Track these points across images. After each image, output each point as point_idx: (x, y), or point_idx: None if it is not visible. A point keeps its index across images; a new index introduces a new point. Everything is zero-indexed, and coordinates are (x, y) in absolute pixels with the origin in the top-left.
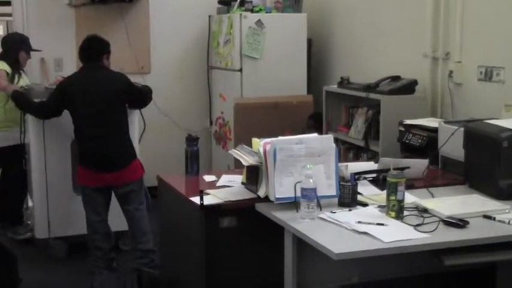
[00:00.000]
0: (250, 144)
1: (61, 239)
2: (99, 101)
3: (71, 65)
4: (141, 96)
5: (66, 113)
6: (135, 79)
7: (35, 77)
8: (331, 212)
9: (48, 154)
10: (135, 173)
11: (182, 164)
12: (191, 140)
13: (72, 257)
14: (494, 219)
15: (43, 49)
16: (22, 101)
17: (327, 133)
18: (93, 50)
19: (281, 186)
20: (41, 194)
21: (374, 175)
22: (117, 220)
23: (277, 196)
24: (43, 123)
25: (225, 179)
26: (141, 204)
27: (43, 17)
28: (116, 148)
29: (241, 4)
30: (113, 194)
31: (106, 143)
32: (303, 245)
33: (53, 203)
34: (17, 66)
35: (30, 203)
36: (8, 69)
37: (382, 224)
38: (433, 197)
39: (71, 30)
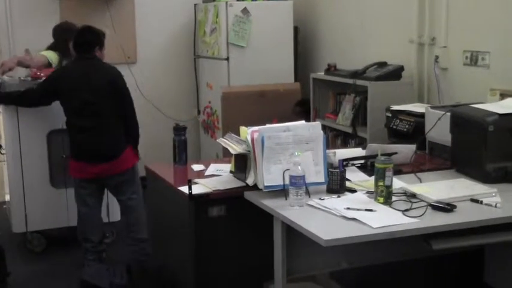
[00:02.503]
0: (238, 133)
1: (39, 233)
2: (88, 93)
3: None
4: (130, 98)
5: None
6: (122, 69)
7: (19, 69)
8: (320, 198)
9: (24, 147)
10: (126, 163)
11: (170, 153)
12: (179, 130)
13: (51, 251)
14: (481, 202)
15: (27, 41)
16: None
17: (314, 120)
18: (85, 41)
19: (269, 174)
20: (17, 187)
21: (362, 161)
22: None
23: (265, 184)
24: (17, 116)
25: (213, 168)
26: (134, 193)
27: (27, 8)
28: (106, 140)
29: None
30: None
31: (95, 135)
32: (292, 232)
33: (29, 197)
34: (67, 55)
35: (6, 198)
36: (55, 58)
37: (371, 210)
38: (420, 182)
39: (56, 22)
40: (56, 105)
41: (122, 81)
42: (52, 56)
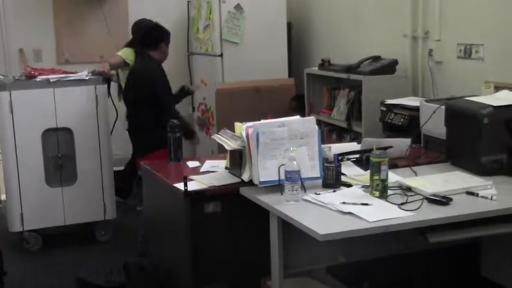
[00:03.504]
0: (233, 129)
1: (35, 232)
2: (127, 92)
3: (51, 56)
4: (161, 98)
5: (34, 102)
6: None
7: (13, 68)
8: (316, 193)
9: (19, 146)
10: None
11: None
12: (174, 127)
13: (48, 249)
14: (477, 195)
15: (21, 40)
16: None
17: (309, 115)
18: (141, 37)
19: (265, 169)
20: (13, 186)
21: (357, 155)
22: (93, 210)
23: (261, 179)
24: (12, 115)
25: (208, 165)
26: None
27: (20, 6)
28: (135, 138)
29: None
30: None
31: (129, 132)
32: (289, 228)
33: (25, 196)
34: None
35: (2, 197)
36: (131, 55)
37: (367, 204)
38: (416, 175)
39: (50, 20)
40: (51, 104)
41: (149, 81)
42: (127, 54)
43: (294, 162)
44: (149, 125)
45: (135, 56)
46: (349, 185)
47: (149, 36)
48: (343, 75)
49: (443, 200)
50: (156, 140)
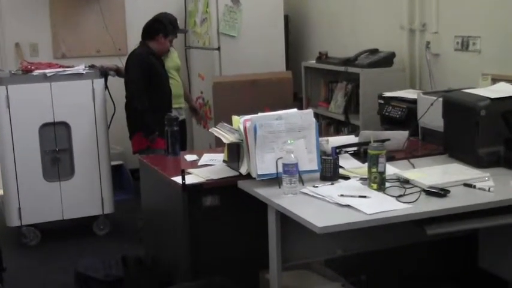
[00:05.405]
0: (230, 122)
1: (33, 226)
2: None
3: (48, 50)
4: (129, 86)
5: (31, 96)
6: (112, 61)
7: (9, 62)
8: (314, 186)
9: (16, 140)
10: (135, 145)
11: None
12: (171, 120)
13: (46, 244)
14: (474, 187)
15: (17, 34)
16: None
17: (307, 108)
18: (145, 27)
19: (263, 162)
20: (10, 181)
21: (355, 148)
22: (91, 204)
23: (259, 173)
24: (9, 109)
25: (206, 158)
26: None
27: (16, 1)
28: (127, 120)
29: None
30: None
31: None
32: (287, 221)
33: (23, 190)
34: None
35: (0, 192)
36: None
37: (365, 197)
38: (414, 167)
39: (46, 14)
40: (47, 98)
41: (129, 64)
42: None
43: (292, 155)
44: (134, 105)
45: None
46: (347, 178)
47: (148, 27)
48: (341, 68)
49: (440, 192)
50: (135, 124)
